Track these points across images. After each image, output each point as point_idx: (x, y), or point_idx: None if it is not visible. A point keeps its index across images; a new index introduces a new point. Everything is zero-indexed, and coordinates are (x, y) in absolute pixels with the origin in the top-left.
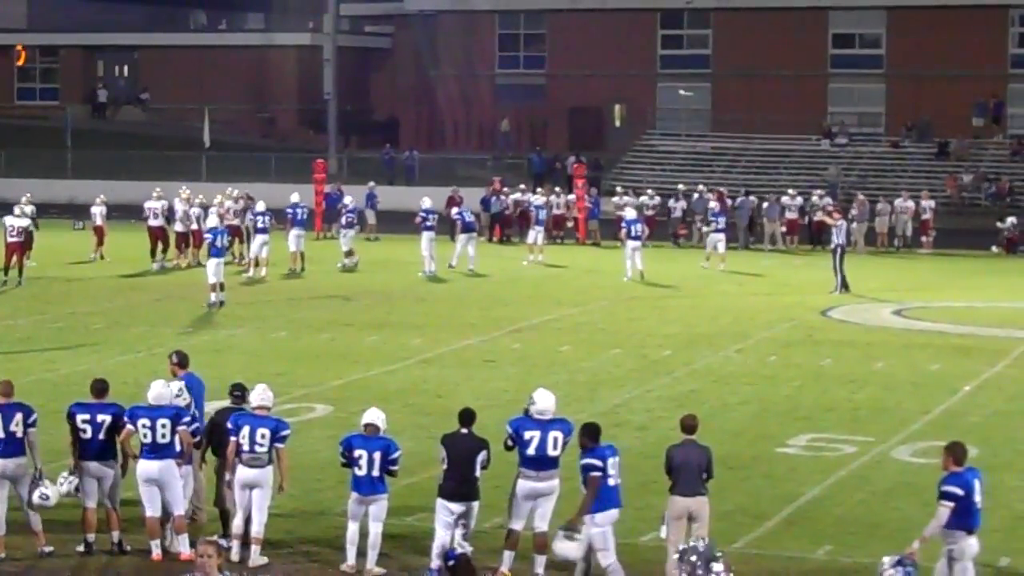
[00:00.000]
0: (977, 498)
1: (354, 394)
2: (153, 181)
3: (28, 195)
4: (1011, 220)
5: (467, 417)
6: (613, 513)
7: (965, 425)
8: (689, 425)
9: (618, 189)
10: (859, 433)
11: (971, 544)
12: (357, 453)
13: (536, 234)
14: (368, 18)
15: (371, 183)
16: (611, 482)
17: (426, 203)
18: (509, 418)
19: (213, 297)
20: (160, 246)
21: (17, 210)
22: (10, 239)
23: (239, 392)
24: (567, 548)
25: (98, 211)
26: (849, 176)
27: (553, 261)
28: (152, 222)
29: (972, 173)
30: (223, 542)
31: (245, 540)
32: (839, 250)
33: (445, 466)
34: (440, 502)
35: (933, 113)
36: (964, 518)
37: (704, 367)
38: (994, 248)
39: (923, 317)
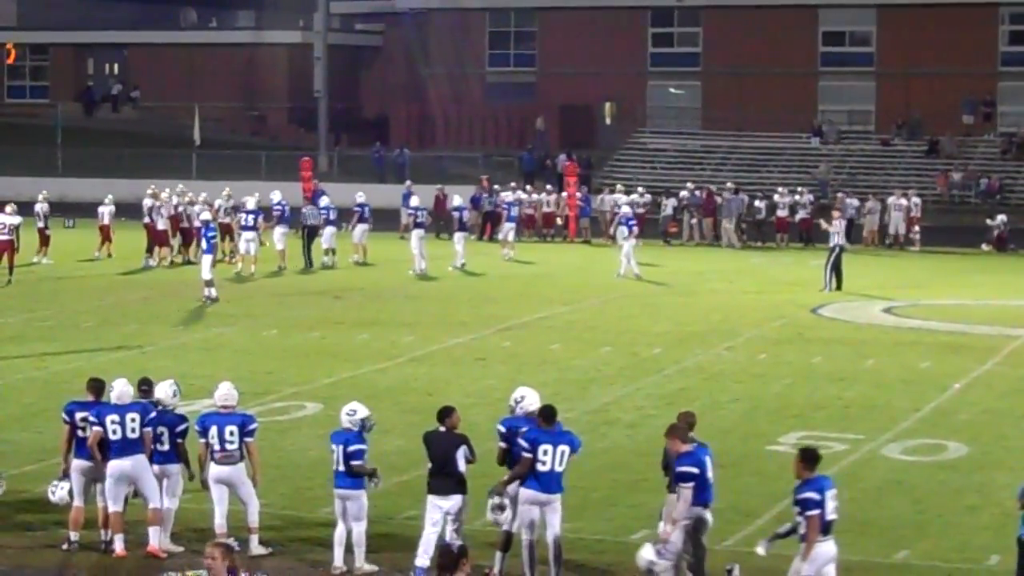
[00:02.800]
0: (709, 474)
1: (344, 392)
2: (143, 179)
3: (44, 192)
4: (1001, 218)
5: (443, 415)
6: (540, 495)
7: (955, 423)
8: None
9: (618, 187)
10: (849, 431)
11: (707, 517)
12: (332, 448)
13: (508, 230)
14: (359, 16)
15: (408, 182)
16: (543, 468)
17: (415, 201)
18: (500, 417)
19: (207, 292)
20: (156, 243)
21: (9, 208)
22: (0, 237)
23: (146, 387)
24: (497, 516)
25: (106, 210)
26: (839, 174)
27: (543, 259)
28: (146, 219)
29: (962, 171)
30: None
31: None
32: (837, 249)
33: (429, 464)
34: (428, 498)
35: (923, 111)
36: (700, 493)
37: (694, 365)
38: (984, 246)
39: (913, 315)
